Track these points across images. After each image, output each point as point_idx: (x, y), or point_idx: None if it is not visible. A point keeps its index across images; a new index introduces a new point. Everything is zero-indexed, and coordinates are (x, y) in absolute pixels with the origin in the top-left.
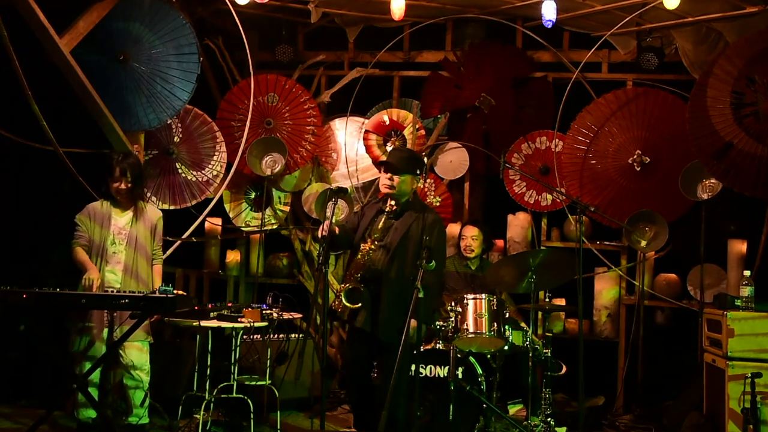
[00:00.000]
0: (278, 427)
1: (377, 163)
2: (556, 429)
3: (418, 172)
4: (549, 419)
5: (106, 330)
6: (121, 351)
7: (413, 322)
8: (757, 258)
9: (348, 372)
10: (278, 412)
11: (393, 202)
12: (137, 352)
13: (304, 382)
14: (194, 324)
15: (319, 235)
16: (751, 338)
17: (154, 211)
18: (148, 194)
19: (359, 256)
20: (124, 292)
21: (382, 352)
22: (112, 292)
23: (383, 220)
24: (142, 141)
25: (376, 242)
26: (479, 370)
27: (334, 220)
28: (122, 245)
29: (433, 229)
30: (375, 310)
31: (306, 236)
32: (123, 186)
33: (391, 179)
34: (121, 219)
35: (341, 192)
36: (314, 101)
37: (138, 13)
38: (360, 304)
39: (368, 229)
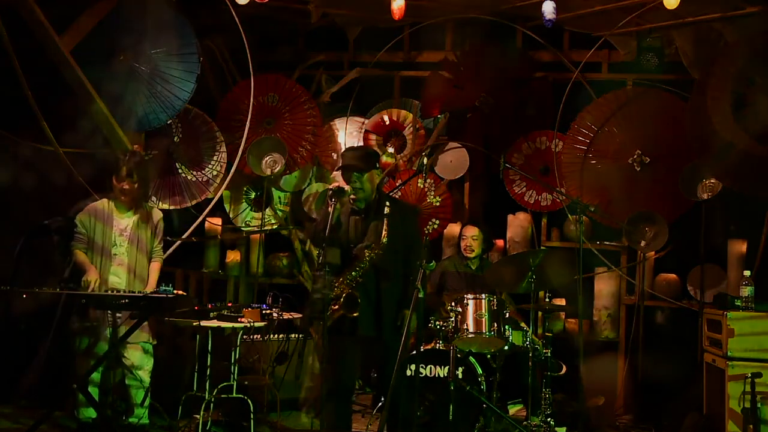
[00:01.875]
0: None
1: (340, 168)
2: (556, 429)
3: (377, 165)
4: (549, 419)
5: (108, 329)
6: (122, 351)
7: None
8: (757, 258)
9: (340, 377)
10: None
11: (361, 203)
12: (139, 353)
13: (304, 382)
14: (194, 324)
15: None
16: (751, 338)
17: (156, 212)
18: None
19: (362, 264)
20: (126, 292)
21: (379, 352)
22: (116, 292)
23: (359, 221)
24: (143, 141)
25: (375, 247)
26: (479, 370)
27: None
28: (124, 246)
29: (415, 221)
30: (377, 312)
31: (306, 236)
32: (127, 186)
33: (356, 182)
34: (123, 220)
35: (341, 192)
36: (314, 101)
37: (138, 13)
38: (357, 313)
39: (347, 233)
